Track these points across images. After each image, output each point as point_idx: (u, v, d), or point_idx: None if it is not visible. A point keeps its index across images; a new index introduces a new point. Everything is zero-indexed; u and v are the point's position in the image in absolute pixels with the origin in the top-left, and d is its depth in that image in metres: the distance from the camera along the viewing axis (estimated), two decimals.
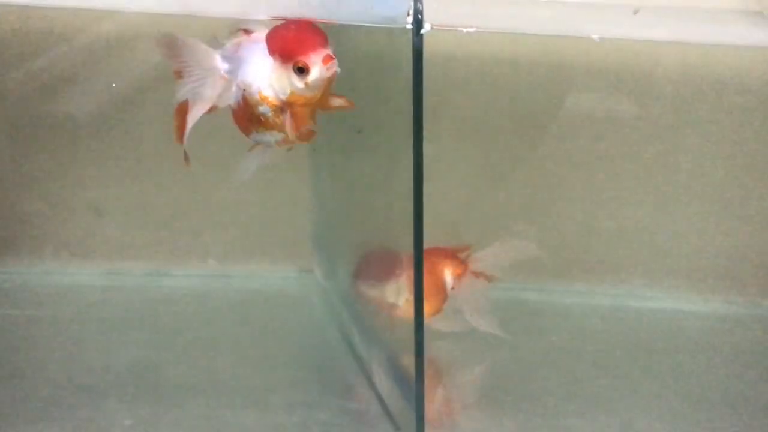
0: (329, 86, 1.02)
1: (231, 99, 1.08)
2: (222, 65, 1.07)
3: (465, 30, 1.10)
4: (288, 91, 1.00)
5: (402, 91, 1.11)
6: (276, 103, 1.02)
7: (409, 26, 1.04)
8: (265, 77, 1.01)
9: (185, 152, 1.11)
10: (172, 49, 1.05)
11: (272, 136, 1.07)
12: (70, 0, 1.47)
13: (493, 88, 1.65)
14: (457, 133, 1.68)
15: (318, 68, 0.98)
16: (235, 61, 1.05)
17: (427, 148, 1.14)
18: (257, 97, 1.02)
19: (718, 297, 1.85)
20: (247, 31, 1.06)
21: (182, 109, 1.08)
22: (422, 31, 1.03)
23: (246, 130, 1.08)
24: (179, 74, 1.07)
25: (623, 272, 1.83)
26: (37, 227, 1.77)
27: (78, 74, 1.64)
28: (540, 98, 1.66)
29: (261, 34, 1.04)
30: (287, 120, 1.02)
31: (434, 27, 1.03)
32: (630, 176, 1.79)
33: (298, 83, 0.99)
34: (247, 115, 1.05)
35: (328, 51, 0.99)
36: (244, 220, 1.84)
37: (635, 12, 1.04)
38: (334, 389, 1.45)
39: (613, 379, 1.54)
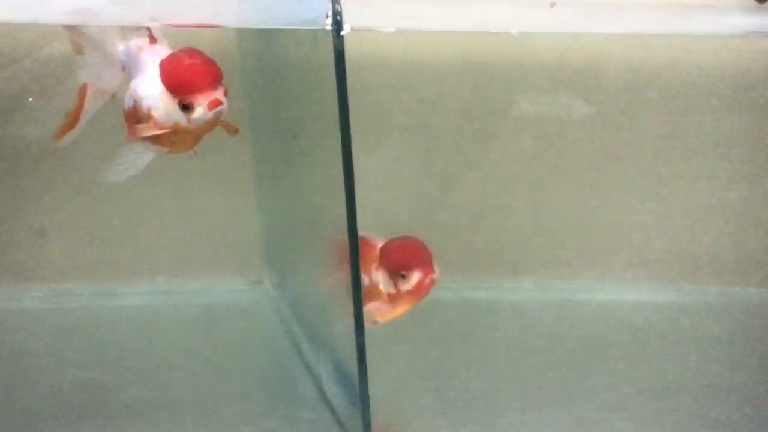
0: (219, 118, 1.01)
1: (125, 98, 1.07)
2: (123, 57, 1.06)
3: (385, 30, 1.10)
4: (172, 121, 0.99)
5: (330, 94, 1.11)
6: (161, 124, 1.01)
7: (329, 28, 1.03)
8: (155, 97, 1.00)
9: (62, 130, 1.08)
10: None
11: (155, 149, 1.06)
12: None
13: (430, 89, 1.65)
14: (397, 135, 1.69)
15: (202, 110, 0.97)
16: (134, 62, 1.04)
17: (361, 152, 1.14)
18: (145, 112, 1.02)
19: (667, 286, 1.87)
20: (153, 39, 1.05)
21: (83, 93, 1.07)
22: (342, 33, 1.03)
23: (131, 134, 1.07)
24: (79, 50, 1.06)
25: (572, 266, 1.84)
26: None
27: (20, 96, 1.61)
28: (479, 97, 1.68)
29: (163, 49, 1.03)
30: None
31: (354, 28, 1.03)
32: (575, 170, 1.81)
33: (181, 118, 0.98)
34: (135, 121, 1.04)
35: (217, 93, 0.98)
36: (190, 234, 1.82)
37: (552, 5, 1.05)
38: (284, 399, 1.44)
39: (564, 373, 1.55)
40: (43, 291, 1.76)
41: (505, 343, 1.64)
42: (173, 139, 1.02)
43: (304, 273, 1.60)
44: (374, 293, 1.27)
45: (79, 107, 1.08)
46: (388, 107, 1.65)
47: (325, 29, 1.06)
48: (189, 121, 0.98)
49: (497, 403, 1.43)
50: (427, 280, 1.23)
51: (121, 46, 1.06)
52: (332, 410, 1.38)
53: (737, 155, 1.85)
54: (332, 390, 1.39)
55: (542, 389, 1.49)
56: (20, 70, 1.58)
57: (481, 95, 1.69)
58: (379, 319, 1.29)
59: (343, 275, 1.29)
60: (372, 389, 1.23)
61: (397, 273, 1.24)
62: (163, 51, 1.02)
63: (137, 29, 1.05)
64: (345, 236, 1.27)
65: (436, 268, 1.24)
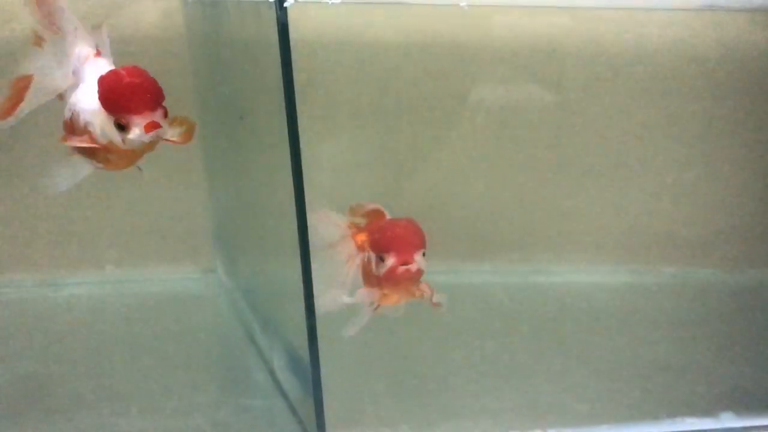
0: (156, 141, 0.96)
1: (65, 108, 1.01)
2: (75, 62, 1.01)
3: (331, 2, 1.07)
4: (107, 139, 0.95)
5: (275, 71, 1.07)
6: (96, 140, 0.96)
7: None
8: (92, 112, 0.95)
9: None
10: (50, 10, 0.98)
11: (90, 163, 1.02)
12: None
13: (379, 65, 1.62)
14: (347, 114, 1.65)
15: (138, 131, 0.92)
16: (80, 71, 0.99)
17: (310, 133, 1.11)
18: (82, 126, 0.97)
19: (623, 267, 1.87)
20: (98, 52, 1.00)
21: (24, 83, 1.01)
22: (286, 4, 1.00)
23: (64, 140, 1.01)
24: (38, 43, 1.00)
25: (529, 249, 1.83)
26: None
27: None
28: (430, 73, 1.65)
29: (105, 63, 0.98)
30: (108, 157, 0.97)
31: (298, 1, 1.00)
32: (531, 154, 1.80)
33: (117, 138, 0.94)
34: (72, 133, 1.00)
35: (155, 116, 0.92)
36: (139, 221, 1.77)
37: None
38: (235, 388, 1.41)
39: (521, 356, 1.54)
40: None
41: (462, 326, 1.62)
42: (109, 156, 0.97)
43: (257, 259, 1.57)
44: (367, 271, 1.18)
45: (16, 97, 1.02)
46: (336, 85, 1.62)
47: (268, 1, 1.02)
48: (124, 141, 0.93)
49: (453, 387, 1.42)
50: (400, 268, 1.11)
51: (76, 50, 1.00)
52: (285, 397, 1.35)
53: (692, 137, 1.85)
54: (285, 377, 1.36)
55: (498, 372, 1.48)
56: None
57: (433, 72, 1.67)
58: (368, 302, 1.18)
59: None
60: (325, 375, 1.20)
61: (377, 254, 1.14)
62: (105, 65, 0.97)
63: (87, 35, 1.00)
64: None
65: (418, 257, 1.12)
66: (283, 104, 1.07)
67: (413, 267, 1.12)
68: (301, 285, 1.15)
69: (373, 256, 1.16)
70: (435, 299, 1.21)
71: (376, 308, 1.21)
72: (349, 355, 1.45)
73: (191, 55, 1.60)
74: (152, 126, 0.92)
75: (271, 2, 1.02)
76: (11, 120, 1.01)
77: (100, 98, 0.94)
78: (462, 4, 1.06)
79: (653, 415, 1.35)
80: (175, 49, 1.61)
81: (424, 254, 1.14)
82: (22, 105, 1.01)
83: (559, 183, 1.82)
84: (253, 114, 1.30)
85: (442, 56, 1.64)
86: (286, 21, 1.00)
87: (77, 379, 1.41)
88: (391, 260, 1.12)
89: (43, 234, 1.74)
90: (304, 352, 1.20)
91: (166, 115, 0.94)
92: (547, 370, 1.49)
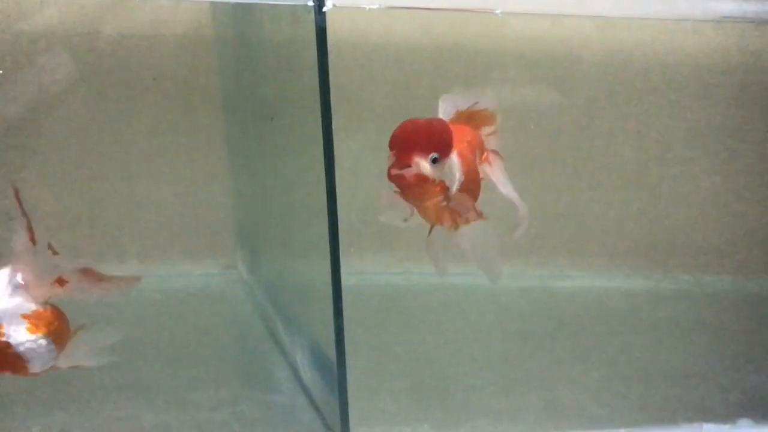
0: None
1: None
2: None
3: (368, 7, 1.08)
4: None
5: (310, 73, 1.09)
6: None
7: (311, 4, 1.02)
8: None
9: None
10: None
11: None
12: None
13: (412, 69, 1.64)
14: (378, 117, 1.67)
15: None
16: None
17: (341, 134, 1.12)
18: None
19: (639, 273, 1.89)
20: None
21: None
22: (324, 9, 1.02)
23: None
24: None
25: (547, 253, 1.85)
26: None
27: None
28: (460, 77, 1.67)
29: None
30: None
31: (336, 5, 1.01)
32: (550, 160, 1.82)
33: None
34: None
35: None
36: (162, 217, 1.79)
37: None
38: (258, 384, 1.42)
39: (538, 358, 1.55)
40: None
41: (481, 329, 1.64)
42: None
43: (281, 257, 1.58)
44: None
45: None
46: (368, 88, 1.63)
47: (306, 5, 1.04)
48: None
49: (472, 388, 1.43)
50: (392, 170, 0.91)
51: None
52: (308, 394, 1.36)
53: (711, 145, 1.87)
54: (308, 374, 1.38)
55: (517, 374, 1.49)
56: None
57: (463, 75, 1.68)
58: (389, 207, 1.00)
59: None
60: (348, 373, 1.22)
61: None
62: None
63: None
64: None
65: (422, 161, 0.91)
66: (318, 106, 1.09)
67: (408, 172, 0.92)
68: (329, 285, 1.17)
69: None
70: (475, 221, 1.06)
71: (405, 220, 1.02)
72: (372, 354, 1.47)
73: (218, 56, 1.62)
74: None
75: (308, 6, 1.03)
76: None
77: None
78: (497, 11, 1.08)
79: (671, 420, 1.36)
80: (202, 50, 1.63)
81: (435, 160, 0.94)
82: None
83: (578, 188, 1.83)
84: (284, 115, 1.31)
85: (471, 60, 1.65)
86: (325, 25, 1.02)
87: (101, 371, 1.42)
88: (391, 158, 0.93)
89: (66, 227, 1.76)
90: (330, 351, 1.21)
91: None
92: (565, 373, 1.50)
